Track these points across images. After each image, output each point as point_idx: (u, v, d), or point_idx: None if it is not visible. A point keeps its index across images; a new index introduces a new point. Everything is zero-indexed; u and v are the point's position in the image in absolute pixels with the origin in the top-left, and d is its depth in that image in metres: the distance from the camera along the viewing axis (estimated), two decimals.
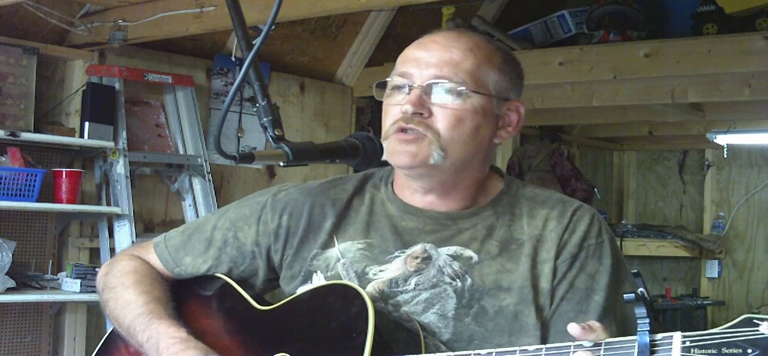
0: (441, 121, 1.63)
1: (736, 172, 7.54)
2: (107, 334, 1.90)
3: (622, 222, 7.60)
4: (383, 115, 1.69)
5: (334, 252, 1.72)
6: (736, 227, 7.50)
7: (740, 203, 7.48)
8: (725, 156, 6.89)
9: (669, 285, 7.50)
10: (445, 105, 1.63)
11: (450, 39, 1.68)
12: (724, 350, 1.26)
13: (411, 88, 1.65)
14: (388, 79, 1.70)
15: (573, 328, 1.40)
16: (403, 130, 1.63)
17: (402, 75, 1.67)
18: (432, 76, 1.64)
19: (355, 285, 1.61)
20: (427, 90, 1.64)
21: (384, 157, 1.65)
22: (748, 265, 7.44)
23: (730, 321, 1.28)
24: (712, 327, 1.28)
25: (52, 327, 4.60)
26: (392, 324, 1.60)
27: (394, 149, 1.64)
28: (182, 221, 4.88)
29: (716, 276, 7.47)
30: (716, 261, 7.44)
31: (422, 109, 1.63)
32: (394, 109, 1.66)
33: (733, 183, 7.55)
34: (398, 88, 1.67)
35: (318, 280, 1.71)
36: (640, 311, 1.33)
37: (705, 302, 7.13)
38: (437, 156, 1.62)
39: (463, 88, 1.63)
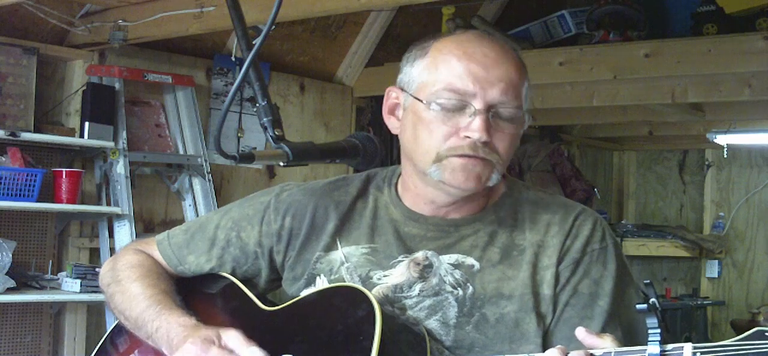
0: (500, 143, 1.59)
1: (736, 172, 7.53)
2: (105, 335, 1.89)
3: (622, 222, 7.60)
4: (421, 128, 1.60)
5: (337, 255, 1.71)
6: (736, 227, 7.49)
7: (740, 203, 7.48)
8: (725, 156, 6.89)
9: (669, 285, 7.49)
10: (505, 129, 1.59)
11: (499, 53, 1.61)
12: None
13: (476, 111, 1.57)
14: (434, 96, 1.58)
15: (580, 333, 1.40)
16: (468, 157, 1.58)
17: (457, 92, 1.58)
18: (496, 101, 1.58)
19: (362, 287, 1.59)
20: (492, 113, 1.58)
21: (434, 175, 1.59)
22: (748, 265, 7.44)
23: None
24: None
25: (52, 327, 4.59)
26: (398, 327, 1.59)
27: (457, 169, 1.58)
28: (182, 221, 4.86)
29: (716, 276, 7.47)
30: (716, 261, 7.43)
31: (491, 138, 1.58)
32: (449, 129, 1.58)
33: (733, 183, 7.55)
34: (457, 107, 1.58)
35: (321, 284, 1.70)
36: (652, 321, 1.33)
37: (705, 302, 7.12)
38: (495, 178, 1.61)
39: (520, 111, 1.60)
